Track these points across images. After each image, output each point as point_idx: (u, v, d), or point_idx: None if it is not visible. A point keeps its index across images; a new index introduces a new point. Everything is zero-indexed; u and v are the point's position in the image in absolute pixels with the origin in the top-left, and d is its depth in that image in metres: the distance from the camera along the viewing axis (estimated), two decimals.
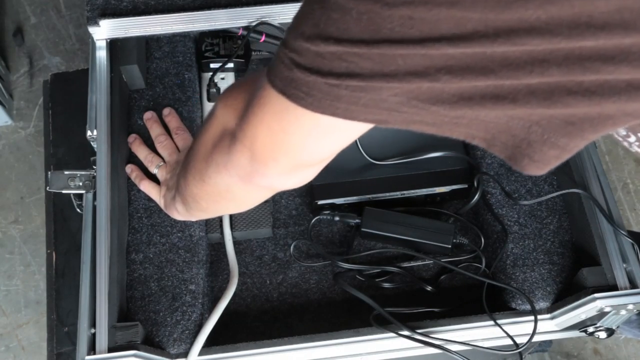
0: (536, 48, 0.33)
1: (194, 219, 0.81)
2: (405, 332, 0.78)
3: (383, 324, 0.79)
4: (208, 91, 0.96)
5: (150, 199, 0.85)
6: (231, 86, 0.57)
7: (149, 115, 0.90)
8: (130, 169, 0.86)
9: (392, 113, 0.39)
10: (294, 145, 0.47)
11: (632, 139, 0.53)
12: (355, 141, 0.90)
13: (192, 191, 0.65)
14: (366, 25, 0.35)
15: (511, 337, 0.78)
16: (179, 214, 0.76)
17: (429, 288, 0.87)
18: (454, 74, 0.35)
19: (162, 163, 0.85)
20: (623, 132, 0.53)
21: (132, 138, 0.88)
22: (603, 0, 0.31)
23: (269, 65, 0.43)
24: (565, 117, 0.37)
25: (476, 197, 0.88)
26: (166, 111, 0.91)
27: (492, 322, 0.79)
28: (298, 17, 0.40)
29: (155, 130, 0.89)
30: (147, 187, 0.85)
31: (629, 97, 0.34)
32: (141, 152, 0.87)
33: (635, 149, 0.54)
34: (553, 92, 0.35)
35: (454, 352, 0.77)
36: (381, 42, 0.35)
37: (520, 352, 0.79)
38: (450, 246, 0.86)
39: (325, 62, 0.38)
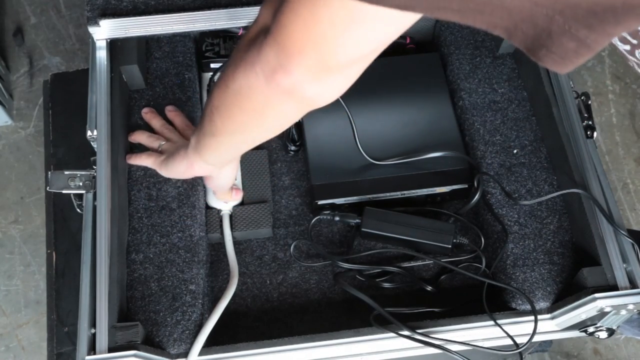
0: None
1: (198, 168, 0.78)
2: (406, 332, 0.78)
3: (383, 324, 0.79)
4: (208, 91, 0.96)
5: (150, 199, 0.86)
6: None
7: (146, 109, 0.90)
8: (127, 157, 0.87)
9: None
10: (321, 37, 0.46)
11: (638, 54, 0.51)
12: (356, 141, 0.90)
13: (212, 105, 0.62)
14: None
15: (511, 337, 0.78)
16: (183, 152, 0.76)
17: (429, 288, 0.87)
18: None
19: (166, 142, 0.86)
20: (629, 44, 0.51)
21: (147, 110, 0.90)
22: None
23: None
24: (589, 5, 0.36)
25: (476, 197, 0.88)
26: (170, 107, 0.91)
27: (492, 322, 0.79)
28: None
29: (157, 122, 0.89)
30: (139, 159, 0.85)
31: None
32: (155, 122, 0.88)
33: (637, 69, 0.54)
34: None
35: (454, 352, 0.77)
36: None
37: (520, 352, 0.79)
38: (450, 246, 0.86)
39: None
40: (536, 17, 0.38)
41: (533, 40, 0.39)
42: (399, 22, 0.45)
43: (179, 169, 0.80)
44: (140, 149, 0.89)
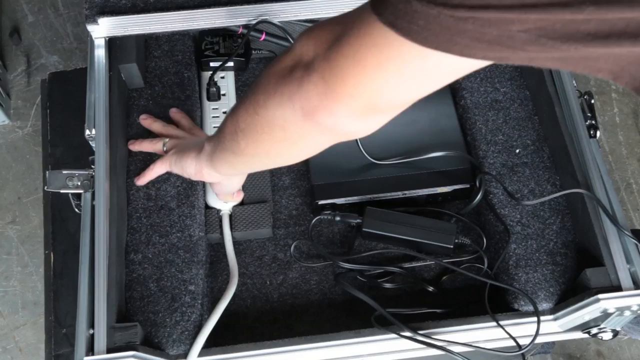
0: None
1: (208, 175, 0.77)
2: (407, 333, 0.77)
3: (384, 324, 0.78)
4: (208, 90, 0.95)
5: (149, 199, 0.85)
6: (316, 24, 0.53)
7: (144, 116, 0.89)
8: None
9: (516, 51, 0.38)
10: (382, 84, 0.45)
11: None
12: (356, 141, 0.90)
13: (237, 126, 0.61)
14: None
15: (514, 339, 0.77)
16: (194, 158, 0.75)
17: (430, 289, 0.86)
18: (599, 5, 0.34)
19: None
20: None
21: (145, 116, 0.89)
22: None
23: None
24: None
25: (478, 197, 0.87)
26: (174, 110, 0.90)
27: (494, 324, 0.78)
28: None
29: (157, 125, 0.88)
30: (142, 145, 0.85)
31: None
32: (155, 126, 0.87)
33: None
34: None
35: (456, 353, 0.77)
36: None
37: (522, 354, 0.78)
38: (452, 246, 0.85)
39: None
40: None
41: None
42: (471, 69, 0.43)
43: (187, 171, 0.79)
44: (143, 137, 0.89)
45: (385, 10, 0.40)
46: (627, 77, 0.39)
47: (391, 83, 0.45)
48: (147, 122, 0.89)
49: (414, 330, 0.77)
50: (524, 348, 0.77)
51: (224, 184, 0.82)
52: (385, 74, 0.44)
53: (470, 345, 0.77)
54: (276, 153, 0.61)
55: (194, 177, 0.80)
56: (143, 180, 0.85)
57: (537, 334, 0.78)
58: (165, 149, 0.84)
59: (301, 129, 0.53)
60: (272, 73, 0.55)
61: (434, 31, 0.38)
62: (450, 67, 0.42)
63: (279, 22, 0.91)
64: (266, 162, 0.67)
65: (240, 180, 0.82)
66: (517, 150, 0.89)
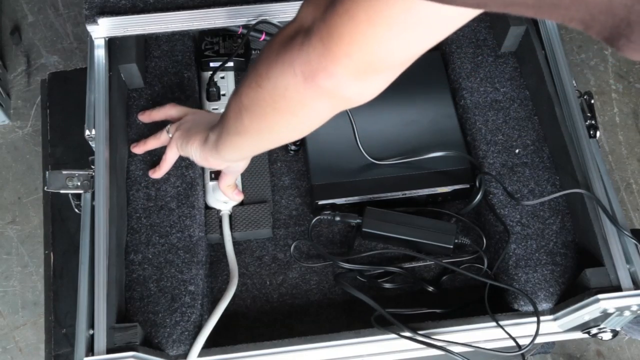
0: None
1: (213, 162, 0.77)
2: (407, 333, 0.77)
3: (384, 325, 0.78)
4: (208, 90, 0.95)
5: (149, 199, 0.85)
6: None
7: (141, 112, 0.89)
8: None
9: None
10: (374, 39, 0.45)
11: None
12: (356, 141, 0.89)
13: (240, 103, 0.61)
14: None
15: (513, 339, 0.77)
16: (199, 145, 0.75)
17: (430, 289, 0.86)
18: None
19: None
20: None
21: (141, 112, 0.89)
22: None
23: None
24: None
25: (478, 197, 0.87)
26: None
27: (494, 324, 0.78)
28: None
29: (156, 113, 0.88)
30: (146, 145, 0.86)
31: None
32: (155, 114, 0.88)
33: None
34: None
35: (456, 353, 0.77)
36: None
37: (522, 354, 0.78)
38: (452, 246, 0.85)
39: None
40: (615, 8, 0.37)
41: (611, 31, 0.39)
42: (457, 22, 0.44)
43: (193, 157, 0.80)
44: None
45: None
46: (598, 26, 0.39)
47: (383, 38, 0.45)
48: (146, 115, 0.89)
49: (414, 330, 0.77)
50: (524, 348, 0.77)
51: (229, 169, 0.82)
52: (377, 28, 0.45)
53: (470, 346, 0.77)
54: (280, 126, 0.61)
55: (199, 164, 0.81)
56: (160, 172, 0.85)
57: (536, 334, 0.77)
58: (170, 135, 0.84)
59: (302, 95, 0.53)
60: (274, 43, 0.55)
61: None
62: (435, 18, 0.42)
63: (278, 22, 0.91)
64: (270, 138, 0.66)
65: (244, 164, 0.83)
66: (517, 150, 0.89)
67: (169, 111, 0.87)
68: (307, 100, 0.54)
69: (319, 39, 0.48)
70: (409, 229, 0.86)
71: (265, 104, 0.58)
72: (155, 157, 0.87)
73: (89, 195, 0.82)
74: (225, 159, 0.76)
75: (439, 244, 0.85)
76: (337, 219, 0.88)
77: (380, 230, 0.86)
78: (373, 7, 0.44)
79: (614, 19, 0.38)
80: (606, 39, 0.40)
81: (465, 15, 0.44)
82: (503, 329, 0.78)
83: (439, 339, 0.77)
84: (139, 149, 0.87)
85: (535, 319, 0.78)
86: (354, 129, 0.90)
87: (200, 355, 0.77)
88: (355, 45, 0.46)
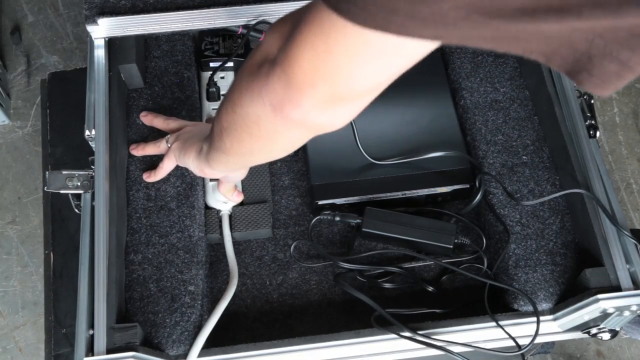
0: None
1: (209, 173, 0.78)
2: (407, 334, 0.77)
3: (384, 325, 0.78)
4: (207, 90, 0.95)
5: (148, 199, 0.85)
6: (279, 20, 0.53)
7: (144, 113, 0.90)
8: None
9: (449, 28, 0.38)
10: (336, 69, 0.45)
11: None
12: (356, 141, 0.89)
13: (221, 125, 0.62)
14: None
15: (513, 339, 0.77)
16: (195, 157, 0.76)
17: (430, 289, 0.86)
18: None
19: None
20: None
21: (145, 113, 0.90)
22: None
23: None
24: (631, 28, 0.35)
25: (478, 197, 0.87)
26: (144, 113, 0.91)
27: (494, 324, 0.78)
28: None
29: (159, 121, 0.88)
30: (145, 149, 0.86)
31: None
32: (157, 122, 0.88)
33: None
34: (621, 5, 0.34)
35: (456, 353, 0.77)
36: None
37: (522, 354, 0.78)
38: (452, 246, 0.85)
39: None
40: (575, 42, 0.37)
41: (573, 64, 0.39)
42: (419, 52, 0.43)
43: (190, 167, 0.81)
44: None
45: None
46: (558, 59, 0.39)
47: (344, 68, 0.45)
48: (148, 118, 0.89)
49: (414, 330, 0.77)
50: (524, 348, 0.77)
51: (227, 178, 0.83)
52: (337, 58, 0.44)
53: (470, 346, 0.77)
54: (258, 150, 0.62)
55: (197, 174, 0.81)
56: (155, 178, 0.86)
57: (536, 334, 0.77)
58: (169, 145, 0.85)
59: (273, 124, 0.53)
60: (244, 70, 0.55)
61: (371, 11, 0.38)
62: (394, 49, 0.42)
63: None
64: (252, 159, 0.68)
65: (242, 174, 0.83)
66: (524, 157, 0.89)
67: (171, 124, 0.87)
68: (280, 128, 0.54)
69: (282, 70, 0.48)
70: (409, 229, 0.86)
71: (241, 130, 0.59)
72: (155, 157, 0.87)
73: (88, 195, 0.82)
74: (217, 171, 0.76)
75: (439, 244, 0.85)
76: (337, 219, 0.88)
77: (380, 230, 0.86)
78: (332, 38, 0.43)
79: (575, 53, 0.38)
80: (568, 72, 0.39)
81: (426, 46, 0.43)
82: (503, 329, 0.78)
83: (439, 339, 0.77)
84: (137, 152, 0.87)
85: (535, 319, 0.78)
86: (354, 129, 0.90)
87: (200, 355, 0.77)
88: (318, 76, 0.46)
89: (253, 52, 0.55)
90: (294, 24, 0.47)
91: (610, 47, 0.37)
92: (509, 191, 0.86)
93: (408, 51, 0.43)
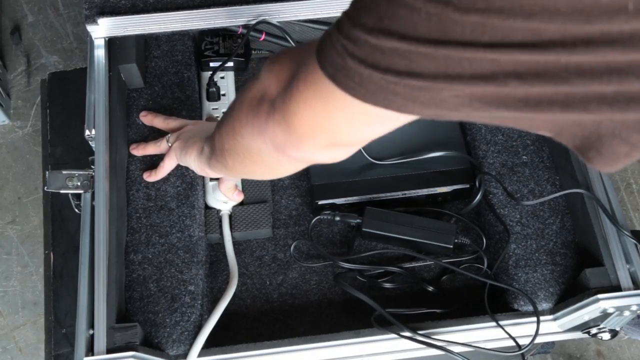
0: (616, 59, 0.32)
1: (211, 173, 0.78)
2: (407, 333, 0.77)
3: (384, 325, 0.78)
4: (207, 90, 0.95)
5: (149, 199, 0.85)
6: (280, 52, 0.54)
7: (144, 113, 0.90)
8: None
9: (451, 112, 0.38)
10: (334, 127, 0.46)
11: None
12: None
13: (222, 145, 0.63)
14: (435, 26, 0.34)
15: (513, 339, 0.77)
16: (196, 157, 0.76)
17: (430, 289, 0.86)
18: (523, 79, 0.34)
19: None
20: None
21: (145, 113, 0.90)
22: None
23: (319, 44, 0.42)
24: (637, 116, 0.35)
25: (478, 197, 0.87)
26: (143, 113, 0.91)
27: (494, 324, 0.78)
28: (359, 7, 0.38)
29: (159, 121, 0.88)
30: (145, 149, 0.87)
31: None
32: (157, 122, 0.88)
33: None
34: (629, 102, 0.33)
35: (456, 353, 0.77)
36: (449, 43, 0.34)
37: (522, 354, 0.78)
38: (452, 246, 0.85)
39: (384, 57, 0.36)
40: (583, 122, 0.37)
41: (582, 141, 0.38)
42: (416, 117, 0.43)
43: (191, 166, 0.81)
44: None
45: (326, 62, 0.41)
46: (567, 136, 0.39)
47: (343, 128, 0.46)
48: (148, 118, 0.89)
49: (414, 330, 0.77)
50: (524, 348, 0.77)
51: (228, 177, 0.84)
52: (336, 121, 0.45)
53: (470, 345, 0.77)
54: (261, 174, 0.65)
55: (199, 174, 0.82)
56: (155, 178, 0.86)
57: (536, 334, 0.78)
58: (170, 144, 0.85)
59: (276, 159, 0.55)
60: (244, 101, 0.56)
61: (370, 89, 0.39)
62: (394, 117, 0.42)
63: (278, 22, 0.91)
64: (254, 177, 0.71)
65: None
66: (524, 157, 0.89)
67: (171, 123, 0.87)
68: (281, 162, 0.56)
69: (283, 119, 0.49)
70: (409, 228, 0.86)
71: (243, 156, 0.60)
72: (155, 157, 0.87)
73: (88, 195, 0.82)
74: (218, 174, 0.78)
75: (439, 243, 0.85)
76: (337, 219, 0.88)
77: (380, 230, 0.86)
78: (330, 104, 0.43)
79: (584, 131, 0.37)
80: (577, 148, 0.39)
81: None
82: (503, 328, 0.78)
83: (439, 338, 0.77)
84: (138, 152, 0.87)
85: (534, 319, 0.78)
86: None
87: (200, 355, 0.77)
88: (317, 130, 0.47)
89: (252, 84, 0.56)
90: (294, 72, 0.47)
91: (619, 130, 0.36)
92: (509, 191, 0.86)
93: (409, 117, 0.43)
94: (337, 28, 0.40)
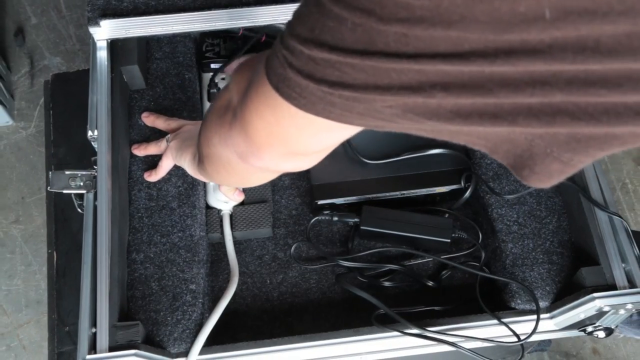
0: (538, 69, 0.31)
1: (201, 177, 0.79)
2: (413, 330, 0.78)
3: (384, 323, 0.79)
4: (208, 92, 0.96)
5: (150, 199, 0.86)
6: (244, 61, 0.55)
7: (146, 114, 0.91)
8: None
9: (389, 122, 0.38)
10: (288, 136, 0.46)
11: None
12: (355, 141, 0.90)
13: (201, 152, 0.64)
14: (360, 36, 0.34)
15: (513, 331, 0.78)
16: (190, 161, 0.77)
17: (430, 283, 0.87)
18: (450, 91, 0.33)
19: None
20: None
21: (147, 114, 0.91)
22: (611, 25, 0.29)
23: (269, 52, 0.42)
24: (569, 134, 0.35)
25: (467, 194, 0.88)
26: (145, 114, 0.92)
27: (493, 320, 0.79)
28: (296, 17, 0.38)
29: (161, 122, 0.89)
30: (146, 149, 0.87)
31: (639, 122, 0.32)
32: (159, 123, 0.89)
33: None
34: (555, 115, 0.33)
35: (467, 349, 0.77)
36: (375, 54, 0.34)
37: (522, 345, 0.79)
38: (449, 240, 0.86)
39: (318, 68, 0.36)
40: (515, 140, 0.37)
41: (515, 160, 0.38)
42: (362, 128, 0.43)
43: (186, 169, 0.82)
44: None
45: (270, 72, 0.41)
46: (501, 153, 0.38)
47: (295, 137, 0.46)
48: (150, 119, 0.90)
49: (421, 327, 0.78)
50: (523, 340, 0.78)
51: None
52: (286, 129, 0.45)
53: (476, 339, 0.78)
54: (235, 182, 0.66)
55: (192, 176, 0.82)
56: (155, 177, 0.86)
57: (536, 327, 0.78)
58: (169, 145, 0.86)
59: (243, 168, 0.55)
60: (214, 110, 0.57)
61: (310, 100, 0.38)
62: (339, 127, 0.42)
63: (279, 24, 0.92)
64: (231, 185, 0.74)
65: None
66: None
67: (172, 124, 0.88)
68: (250, 170, 0.56)
69: (242, 127, 0.49)
70: (407, 225, 0.87)
71: (217, 164, 0.60)
72: (157, 157, 0.88)
73: (91, 195, 0.83)
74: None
75: (437, 238, 0.86)
76: (335, 219, 0.89)
77: (378, 227, 0.87)
78: (278, 113, 0.43)
79: (516, 149, 0.37)
80: (511, 166, 0.39)
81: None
82: (503, 322, 0.78)
83: (438, 338, 0.78)
84: (140, 152, 0.88)
85: (532, 316, 0.79)
86: None
87: (201, 353, 0.77)
88: (272, 138, 0.47)
89: (221, 92, 0.57)
90: (248, 81, 0.47)
91: (551, 148, 0.36)
92: (507, 190, 0.87)
93: (355, 128, 0.43)
94: (280, 39, 0.40)
